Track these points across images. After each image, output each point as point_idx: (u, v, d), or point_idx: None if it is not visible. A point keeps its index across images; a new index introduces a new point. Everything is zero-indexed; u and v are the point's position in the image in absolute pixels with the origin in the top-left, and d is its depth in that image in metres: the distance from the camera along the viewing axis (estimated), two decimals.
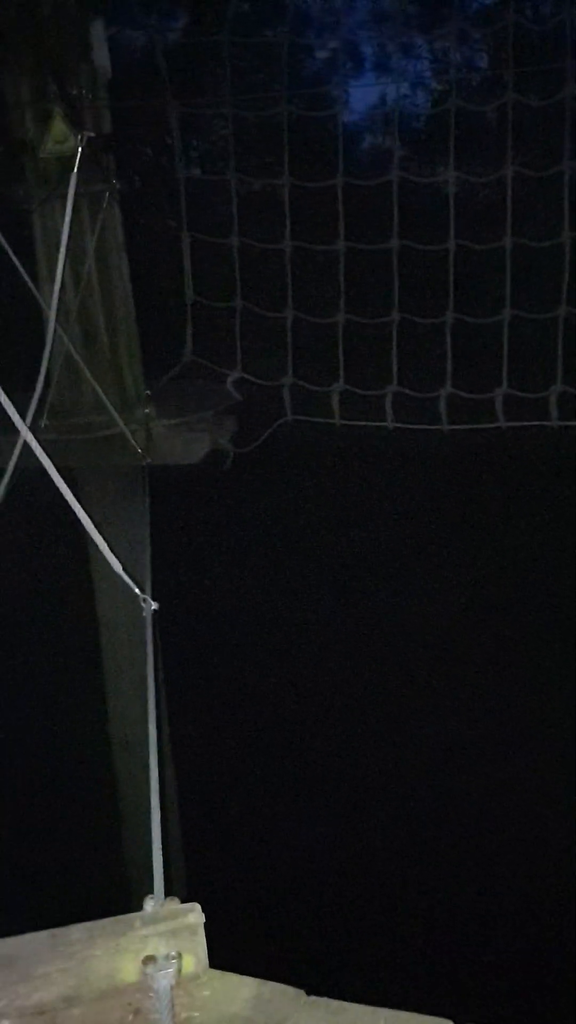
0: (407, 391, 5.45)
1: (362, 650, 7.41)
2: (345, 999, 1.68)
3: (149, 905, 1.79)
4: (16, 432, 2.64)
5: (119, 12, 5.29)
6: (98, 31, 4.69)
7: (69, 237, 3.88)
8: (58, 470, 2.60)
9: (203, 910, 1.76)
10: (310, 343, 5.59)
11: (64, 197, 3.94)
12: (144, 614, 2.92)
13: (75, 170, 4.00)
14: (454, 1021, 1.59)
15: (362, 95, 6.98)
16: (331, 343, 5.50)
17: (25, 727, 6.28)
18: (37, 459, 2.59)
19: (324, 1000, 1.68)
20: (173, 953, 1.70)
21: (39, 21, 4.44)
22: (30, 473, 2.80)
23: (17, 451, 2.85)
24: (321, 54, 6.53)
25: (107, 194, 4.72)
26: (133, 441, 4.74)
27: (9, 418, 2.54)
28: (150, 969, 1.67)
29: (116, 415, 4.60)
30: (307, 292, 5.52)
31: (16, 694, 6.12)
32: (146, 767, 2.34)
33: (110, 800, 5.50)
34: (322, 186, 5.27)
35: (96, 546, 2.70)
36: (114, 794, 5.49)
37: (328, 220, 5.32)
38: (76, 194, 3.92)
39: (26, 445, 2.63)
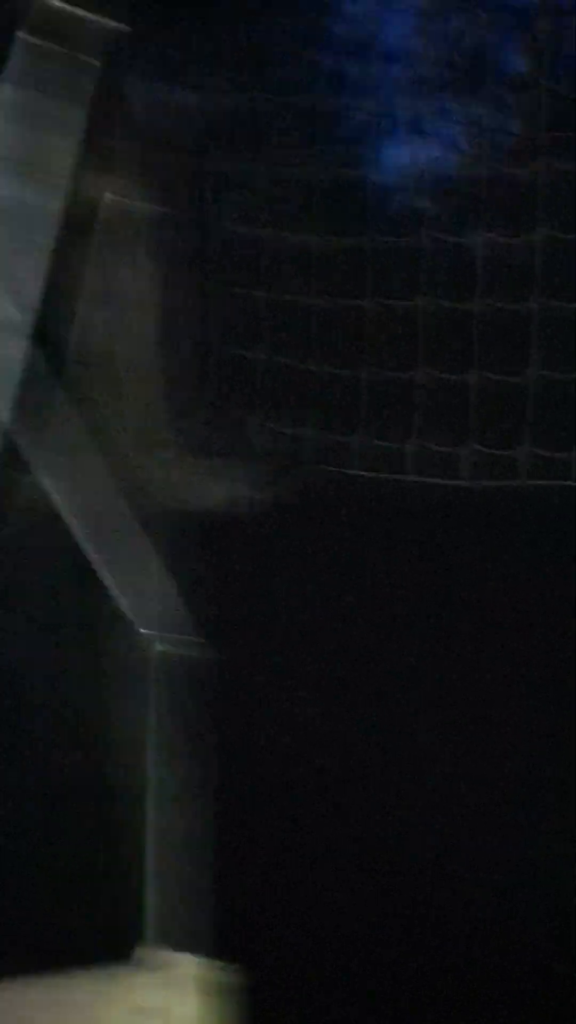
0: (429, 445, 5.47)
1: (371, 703, 7.31)
2: None
3: (143, 955, 1.77)
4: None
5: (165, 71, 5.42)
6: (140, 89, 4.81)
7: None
8: None
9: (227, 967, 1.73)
10: (333, 395, 5.62)
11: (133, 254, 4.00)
12: (149, 654, 2.91)
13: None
14: None
15: (394, 156, 7.09)
16: (354, 396, 5.52)
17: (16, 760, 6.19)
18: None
19: None
20: (163, 1004, 1.68)
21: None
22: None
23: None
24: (357, 116, 6.64)
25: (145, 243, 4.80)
26: (152, 483, 4.76)
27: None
28: (139, 1019, 1.64)
29: (138, 457, 4.63)
30: (332, 345, 5.56)
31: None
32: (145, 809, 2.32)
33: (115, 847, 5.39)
34: (351, 244, 5.34)
35: (106, 582, 2.70)
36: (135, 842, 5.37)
37: (355, 277, 5.38)
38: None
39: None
